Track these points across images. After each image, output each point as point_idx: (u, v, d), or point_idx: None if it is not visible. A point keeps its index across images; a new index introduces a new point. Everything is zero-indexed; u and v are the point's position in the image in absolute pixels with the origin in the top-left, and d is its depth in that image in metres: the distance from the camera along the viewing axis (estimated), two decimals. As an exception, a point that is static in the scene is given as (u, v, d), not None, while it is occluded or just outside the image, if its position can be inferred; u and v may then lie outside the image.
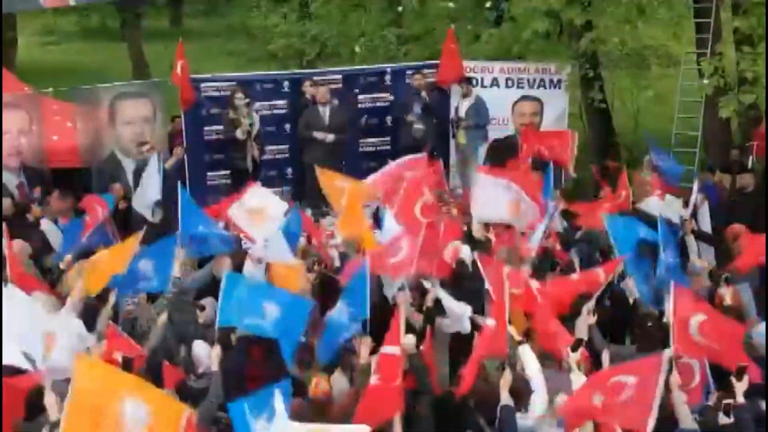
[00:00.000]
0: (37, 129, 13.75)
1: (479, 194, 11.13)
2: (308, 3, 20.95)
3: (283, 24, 20.89)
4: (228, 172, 14.22)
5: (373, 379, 6.86)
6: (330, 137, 13.62)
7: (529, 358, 7.32)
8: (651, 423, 6.25)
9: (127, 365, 7.35)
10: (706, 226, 11.00)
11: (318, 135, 13.58)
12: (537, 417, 6.86)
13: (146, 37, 26.40)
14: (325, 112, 13.75)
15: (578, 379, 7.16)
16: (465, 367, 7.23)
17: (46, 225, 11.51)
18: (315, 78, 14.53)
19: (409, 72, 14.69)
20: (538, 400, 6.97)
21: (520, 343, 7.46)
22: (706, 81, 13.59)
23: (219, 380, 7.11)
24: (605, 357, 7.57)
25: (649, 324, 8.12)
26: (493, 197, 10.87)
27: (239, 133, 13.51)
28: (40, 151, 13.72)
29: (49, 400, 6.51)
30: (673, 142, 14.80)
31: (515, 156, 13.80)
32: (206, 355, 7.58)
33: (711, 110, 14.22)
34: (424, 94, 14.16)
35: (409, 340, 7.55)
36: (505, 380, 6.77)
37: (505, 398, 6.69)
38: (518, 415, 6.71)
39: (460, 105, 14.41)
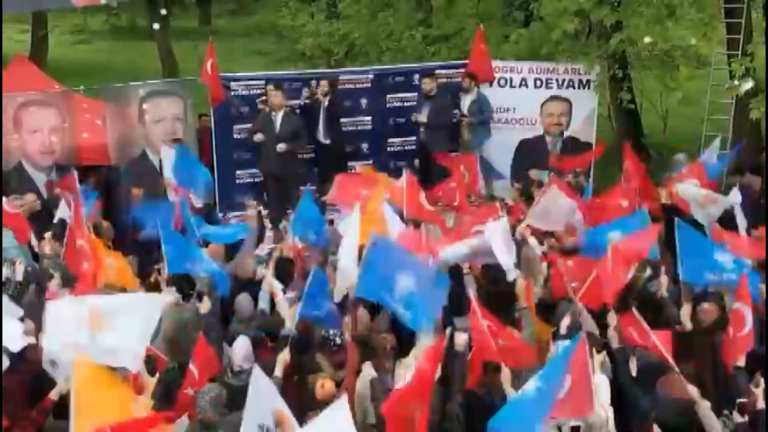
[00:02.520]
0: (68, 127, 13.86)
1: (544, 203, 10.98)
2: (336, 2, 20.98)
3: (311, 23, 20.95)
4: (255, 170, 14.33)
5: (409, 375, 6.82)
6: (281, 146, 13.37)
7: None
8: None
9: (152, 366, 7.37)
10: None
11: (257, 139, 13.48)
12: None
13: (175, 36, 26.54)
14: (276, 118, 13.53)
15: (600, 381, 7.14)
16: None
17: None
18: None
19: (438, 72, 14.66)
20: None
21: (559, 337, 7.53)
22: (736, 82, 13.50)
23: (280, 384, 7.06)
24: (632, 362, 7.54)
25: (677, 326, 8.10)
26: (556, 211, 10.79)
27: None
28: (71, 149, 13.85)
29: None
30: (703, 143, 14.70)
31: (543, 156, 13.85)
32: (245, 352, 7.63)
33: (741, 111, 14.12)
34: (434, 93, 14.07)
35: (461, 339, 7.60)
36: (505, 376, 6.87)
37: (512, 394, 6.78)
38: None
39: (462, 101, 14.39)
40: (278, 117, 13.48)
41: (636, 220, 10.00)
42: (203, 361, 7.49)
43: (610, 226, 9.93)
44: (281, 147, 13.34)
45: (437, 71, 14.66)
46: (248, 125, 14.04)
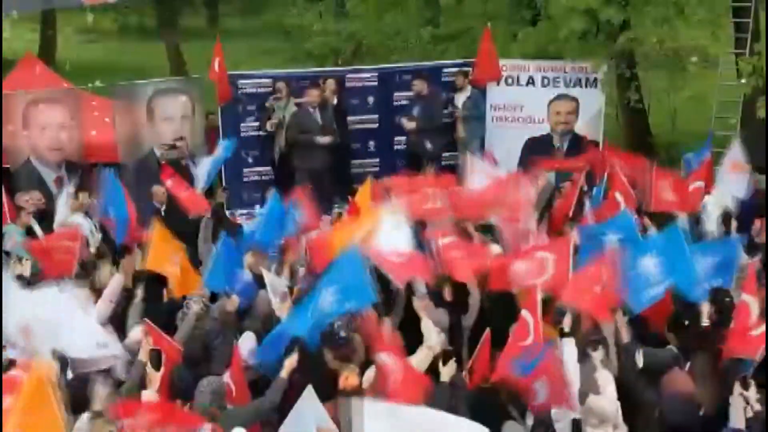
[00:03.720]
0: (77, 124, 13.91)
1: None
2: (344, 2, 21.01)
3: (319, 23, 20.98)
4: (263, 168, 14.41)
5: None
6: (326, 139, 13.48)
7: (569, 351, 7.30)
8: None
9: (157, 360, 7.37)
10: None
11: (318, 139, 13.45)
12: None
13: (183, 36, 26.59)
14: (317, 114, 13.60)
15: (603, 377, 7.13)
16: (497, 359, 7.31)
17: (80, 219, 11.62)
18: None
19: (444, 70, 14.70)
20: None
21: (564, 335, 7.44)
22: (744, 81, 13.49)
23: (284, 387, 7.05)
24: (638, 358, 7.53)
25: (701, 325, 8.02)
26: None
27: (268, 126, 13.81)
28: (80, 147, 13.90)
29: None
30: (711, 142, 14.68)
31: (550, 154, 13.85)
32: (250, 347, 7.62)
33: (749, 110, 14.11)
34: (424, 94, 14.12)
35: (440, 337, 7.72)
36: None
37: None
38: None
39: (456, 98, 14.43)
40: (317, 113, 13.56)
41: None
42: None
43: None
44: (325, 140, 13.46)
45: (444, 70, 14.75)
46: (256, 123, 14.13)
